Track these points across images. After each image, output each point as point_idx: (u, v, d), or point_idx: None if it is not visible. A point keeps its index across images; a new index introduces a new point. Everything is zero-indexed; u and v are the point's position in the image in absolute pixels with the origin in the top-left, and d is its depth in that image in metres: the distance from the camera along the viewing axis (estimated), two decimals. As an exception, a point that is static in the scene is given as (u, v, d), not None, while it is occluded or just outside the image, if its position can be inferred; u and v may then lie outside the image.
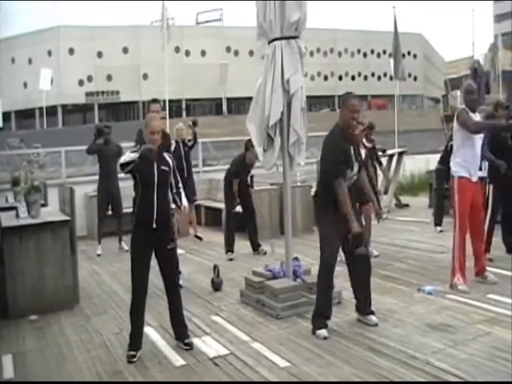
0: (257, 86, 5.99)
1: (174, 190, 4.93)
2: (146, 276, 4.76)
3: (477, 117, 6.11)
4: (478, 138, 6.10)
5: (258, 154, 6.01)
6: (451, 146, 8.76)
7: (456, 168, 6.16)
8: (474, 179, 6.13)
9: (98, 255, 8.91)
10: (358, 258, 5.08)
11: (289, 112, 5.73)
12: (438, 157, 9.74)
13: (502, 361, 4.19)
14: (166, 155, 4.85)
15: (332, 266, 4.99)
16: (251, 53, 50.23)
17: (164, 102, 9.99)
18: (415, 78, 65.45)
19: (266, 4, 5.70)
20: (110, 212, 9.25)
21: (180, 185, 5.05)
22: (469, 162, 6.07)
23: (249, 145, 7.75)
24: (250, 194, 8.65)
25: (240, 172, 8.41)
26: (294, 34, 5.67)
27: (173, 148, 8.34)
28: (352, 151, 4.97)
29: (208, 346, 4.83)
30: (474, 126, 5.95)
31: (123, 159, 4.60)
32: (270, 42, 5.78)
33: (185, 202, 5.14)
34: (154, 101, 6.84)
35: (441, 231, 9.24)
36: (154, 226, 4.63)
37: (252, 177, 8.83)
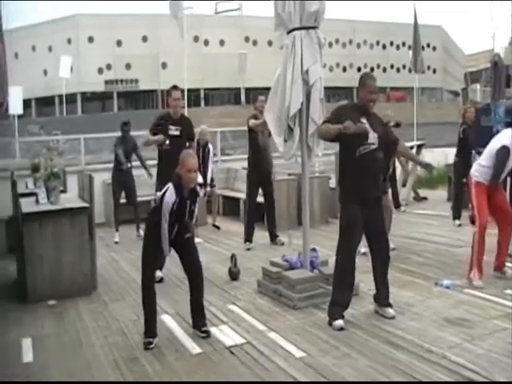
0: (276, 76, 5.96)
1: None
2: (155, 267, 4.76)
3: None
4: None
5: (276, 144, 5.99)
6: (463, 129, 8.90)
7: (478, 173, 6.11)
8: None
9: (116, 242, 8.98)
10: (380, 247, 5.06)
11: (308, 103, 5.69)
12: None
13: (519, 357, 4.16)
14: (197, 188, 4.73)
15: (353, 251, 4.97)
16: (270, 43, 49.89)
17: (183, 91, 9.98)
18: (434, 71, 64.70)
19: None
20: (123, 200, 9.33)
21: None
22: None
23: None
24: (271, 183, 8.59)
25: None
26: (313, 24, 5.64)
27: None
28: (365, 120, 4.88)
29: (225, 334, 4.86)
30: (493, 180, 5.97)
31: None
32: (288, 32, 5.75)
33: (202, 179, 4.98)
34: (175, 87, 6.79)
35: (459, 225, 9.17)
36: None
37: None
